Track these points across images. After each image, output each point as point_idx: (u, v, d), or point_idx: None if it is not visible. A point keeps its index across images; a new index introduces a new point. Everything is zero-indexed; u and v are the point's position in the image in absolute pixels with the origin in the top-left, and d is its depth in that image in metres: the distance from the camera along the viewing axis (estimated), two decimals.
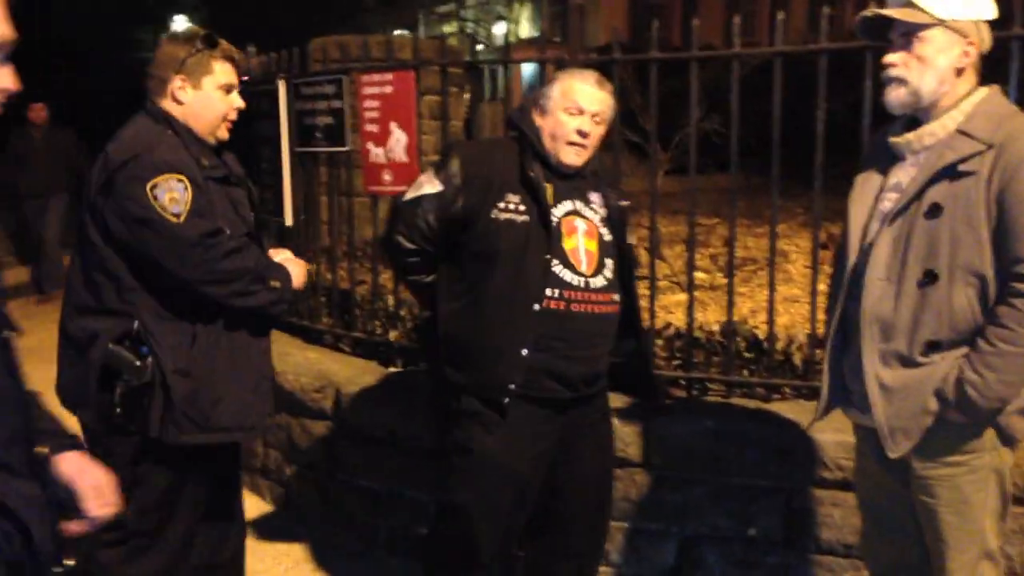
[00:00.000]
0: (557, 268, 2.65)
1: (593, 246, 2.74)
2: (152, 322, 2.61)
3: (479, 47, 31.61)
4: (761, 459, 3.31)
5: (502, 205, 2.66)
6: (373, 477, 3.98)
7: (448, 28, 34.71)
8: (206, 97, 2.71)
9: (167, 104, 2.71)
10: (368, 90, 4.15)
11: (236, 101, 2.79)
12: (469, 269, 2.70)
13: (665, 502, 3.46)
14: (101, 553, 2.69)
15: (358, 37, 5.17)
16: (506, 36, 27.05)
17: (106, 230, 2.60)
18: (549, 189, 2.71)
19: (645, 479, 3.48)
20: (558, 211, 2.71)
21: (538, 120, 2.76)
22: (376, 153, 4.14)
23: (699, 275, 5.75)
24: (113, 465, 2.62)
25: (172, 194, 2.54)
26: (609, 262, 2.76)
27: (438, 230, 2.71)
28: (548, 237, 2.65)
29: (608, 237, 2.79)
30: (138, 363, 2.57)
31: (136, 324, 2.59)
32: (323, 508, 4.19)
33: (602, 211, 2.81)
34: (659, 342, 3.82)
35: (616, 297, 2.77)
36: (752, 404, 3.50)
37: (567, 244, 2.69)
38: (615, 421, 3.47)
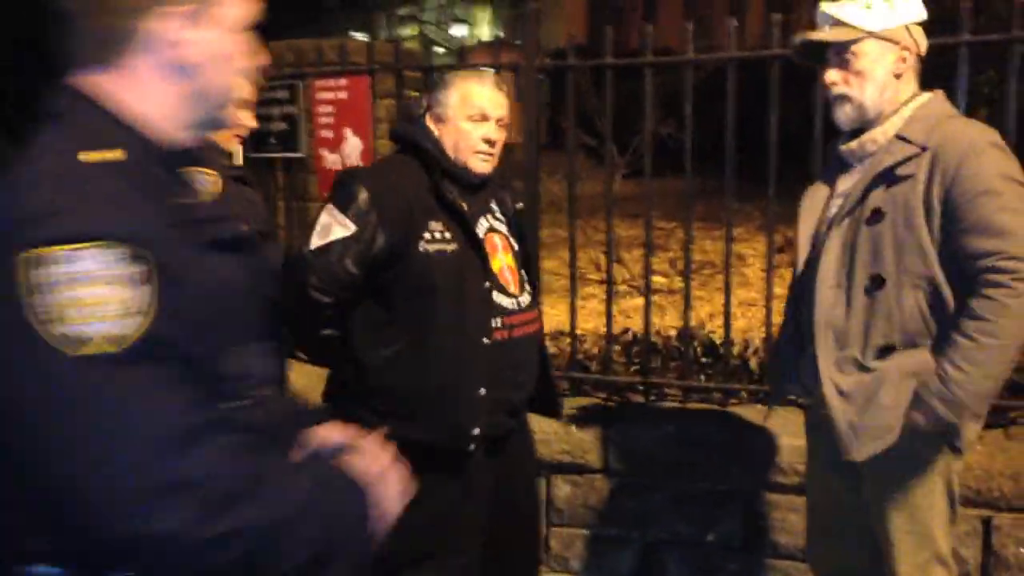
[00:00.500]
0: (495, 295, 2.46)
1: (511, 260, 2.57)
2: None
3: (438, 50, 31.59)
4: (720, 464, 3.32)
5: (427, 236, 2.38)
6: None
7: (408, 31, 34.67)
8: None
9: None
10: (322, 95, 4.12)
11: (247, 119, 2.76)
12: (402, 310, 2.39)
13: (625, 508, 3.45)
14: None
15: (313, 41, 5.11)
16: (460, 45, 27.03)
17: None
18: (466, 208, 2.48)
19: (605, 485, 3.47)
20: (480, 231, 2.50)
21: (432, 129, 2.51)
22: (331, 159, 4.11)
23: (657, 279, 5.78)
24: None
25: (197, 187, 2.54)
26: (523, 272, 2.62)
27: (359, 275, 2.35)
28: (484, 261, 2.44)
29: (517, 247, 2.63)
30: None
31: None
32: None
33: (504, 218, 2.64)
34: (617, 348, 3.82)
35: (538, 310, 2.64)
36: (710, 409, 3.51)
37: (495, 265, 2.50)
38: (573, 428, 3.48)
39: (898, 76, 2.24)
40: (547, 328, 4.53)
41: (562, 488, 3.52)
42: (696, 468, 3.34)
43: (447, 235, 2.40)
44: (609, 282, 3.85)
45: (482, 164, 2.50)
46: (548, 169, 6.07)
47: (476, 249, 2.43)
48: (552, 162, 5.48)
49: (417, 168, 2.46)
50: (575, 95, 3.64)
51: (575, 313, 3.79)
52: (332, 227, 2.35)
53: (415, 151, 2.50)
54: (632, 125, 6.29)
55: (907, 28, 2.23)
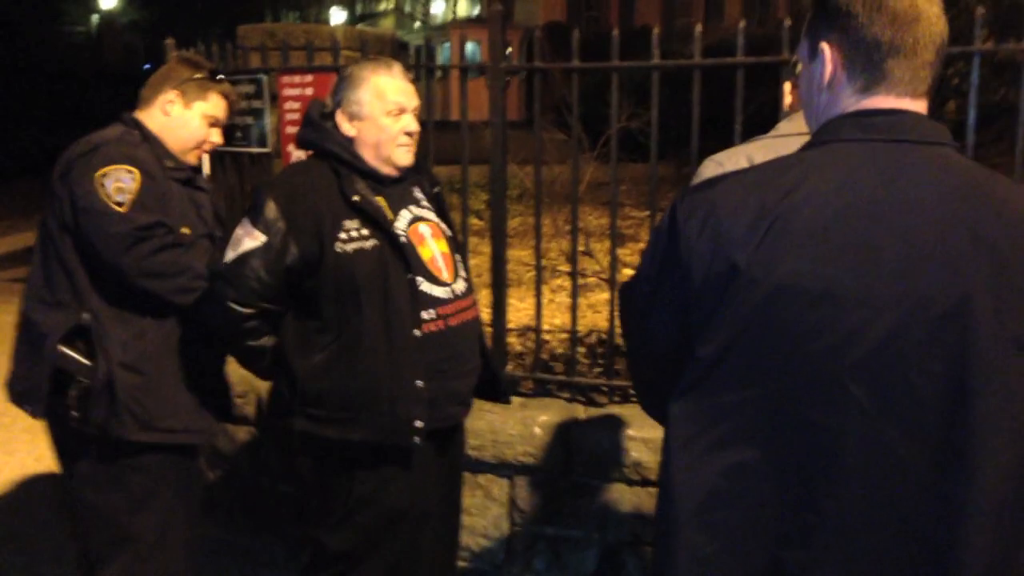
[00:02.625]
0: (424, 287, 2.46)
1: (444, 246, 2.58)
2: (102, 315, 2.58)
3: (416, 25, 31.35)
4: None
5: (343, 236, 2.38)
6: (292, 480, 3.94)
7: (384, 5, 34.37)
8: (191, 119, 2.77)
9: (146, 114, 2.77)
10: (288, 91, 4.08)
11: (215, 136, 2.84)
12: (330, 314, 2.40)
13: (586, 509, 3.49)
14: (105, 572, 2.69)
15: (282, 26, 5.10)
16: (434, 36, 26.77)
17: (61, 219, 2.59)
18: (383, 202, 2.49)
19: (567, 486, 3.50)
20: (401, 224, 2.51)
21: (349, 130, 2.51)
22: (297, 155, 4.07)
23: (626, 271, 5.78)
24: (86, 468, 2.65)
25: (119, 184, 2.53)
26: (458, 257, 2.63)
27: (275, 285, 2.38)
28: (404, 257, 2.43)
29: (448, 232, 2.65)
30: (89, 363, 2.56)
31: (86, 316, 2.57)
32: (246, 514, 4.15)
33: (429, 204, 2.65)
34: (581, 350, 3.84)
35: (474, 296, 2.65)
36: None
37: (424, 254, 2.51)
38: (537, 430, 3.51)
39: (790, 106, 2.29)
40: (515, 323, 4.57)
41: (524, 489, 3.56)
42: (657, 470, 3.38)
43: (364, 232, 2.41)
44: (574, 281, 3.85)
45: (406, 156, 2.54)
46: (519, 153, 6.07)
47: (393, 243, 2.42)
48: (523, 143, 5.49)
49: (328, 170, 2.47)
50: (542, 93, 3.66)
51: (540, 314, 3.81)
52: (243, 240, 2.39)
53: (322, 154, 2.52)
54: (603, 110, 6.28)
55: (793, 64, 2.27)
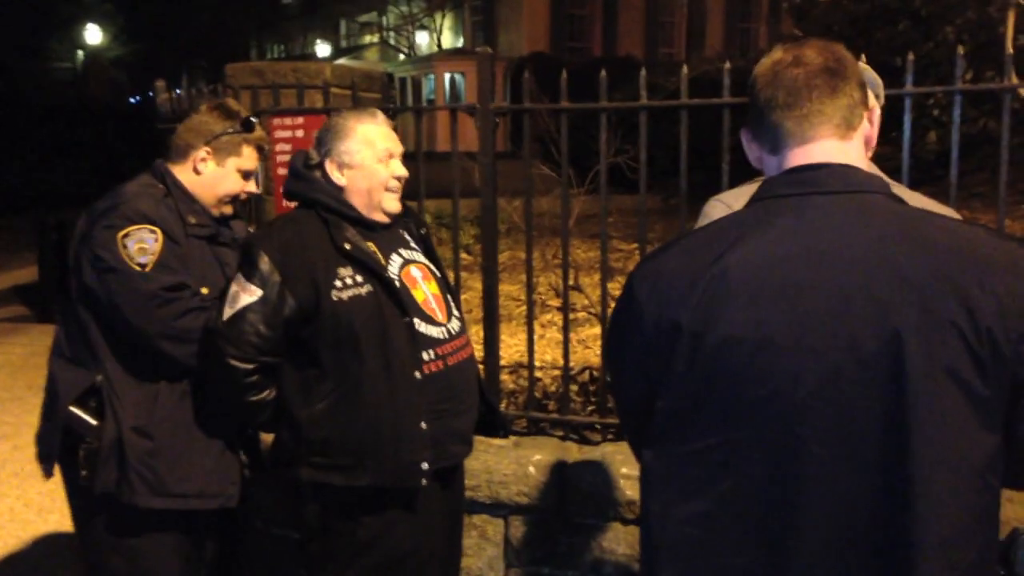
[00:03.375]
0: (422, 327, 2.49)
1: (435, 287, 2.62)
2: (116, 376, 2.56)
3: (401, 57, 31.53)
4: None
5: (338, 284, 2.40)
6: (290, 525, 3.93)
7: (369, 38, 34.56)
8: (225, 176, 2.74)
9: (179, 169, 2.73)
10: (279, 133, 4.11)
11: (251, 187, 2.82)
12: (329, 362, 2.41)
13: (582, 549, 3.49)
14: None
15: (270, 64, 5.14)
16: (423, 53, 26.89)
17: (80, 279, 2.57)
18: (374, 248, 2.52)
19: (562, 526, 3.50)
20: (394, 267, 2.54)
21: (339, 179, 2.54)
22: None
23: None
24: (94, 531, 2.63)
25: (141, 244, 2.52)
26: (450, 298, 2.67)
27: (274, 338, 2.39)
28: (399, 301, 2.46)
29: (438, 273, 2.68)
30: (96, 424, 2.54)
31: (99, 378, 2.56)
32: (240, 557, 4.12)
33: (419, 246, 2.68)
34: (574, 387, 3.86)
35: (468, 335, 2.67)
36: None
37: (418, 297, 2.54)
38: (531, 470, 3.51)
39: None
40: (506, 359, 4.58)
41: (519, 529, 3.55)
42: None
43: (358, 278, 2.43)
44: (566, 318, 3.87)
45: (394, 203, 2.59)
46: (505, 185, 6.10)
47: (388, 288, 2.45)
48: (508, 176, 5.49)
49: (316, 220, 2.49)
50: (532, 130, 3.71)
51: (532, 353, 3.82)
52: (239, 295, 2.40)
53: (309, 204, 2.54)
54: (590, 144, 6.31)
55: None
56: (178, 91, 4.97)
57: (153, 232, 2.54)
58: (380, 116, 2.61)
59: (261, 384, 2.45)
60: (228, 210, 2.81)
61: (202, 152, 2.71)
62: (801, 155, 1.51)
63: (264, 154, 2.85)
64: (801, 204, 1.45)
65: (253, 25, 36.23)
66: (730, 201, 2.15)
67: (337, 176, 2.54)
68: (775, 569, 1.40)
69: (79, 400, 2.56)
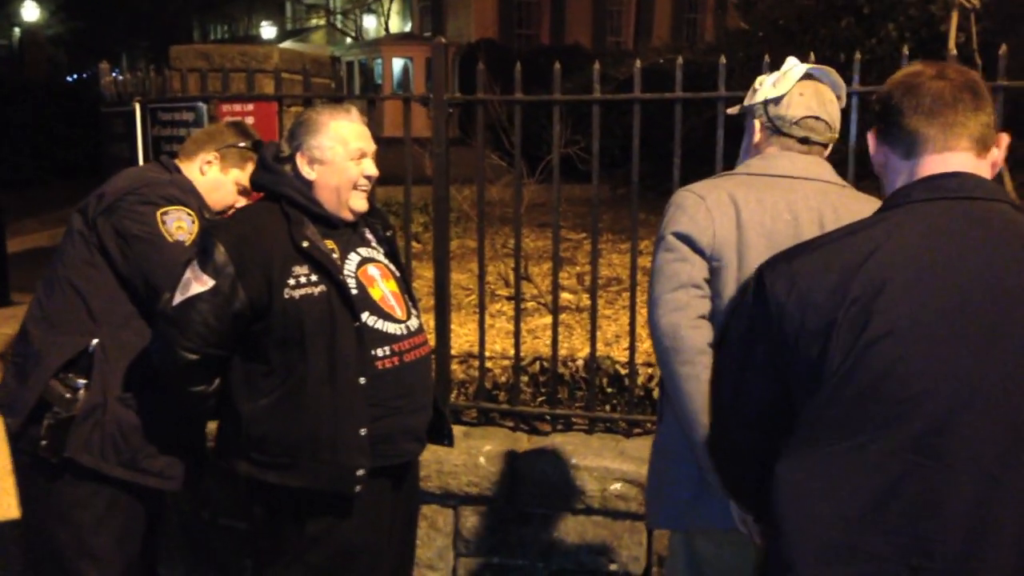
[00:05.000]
0: (379, 324, 2.47)
1: (394, 286, 2.59)
2: (111, 344, 2.64)
3: (348, 41, 31.21)
4: (622, 494, 3.40)
5: (292, 281, 2.37)
6: (237, 516, 3.90)
7: (316, 20, 34.16)
8: (224, 183, 2.87)
9: (185, 164, 2.87)
10: (229, 120, 4.04)
11: (241, 203, 2.90)
12: (276, 359, 2.39)
13: (531, 539, 3.51)
14: None
15: (216, 47, 5.06)
16: (370, 37, 26.61)
17: (90, 250, 2.67)
18: (332, 246, 2.49)
19: (511, 516, 3.52)
20: (351, 265, 2.50)
21: (309, 173, 2.49)
22: None
23: (565, 296, 5.84)
24: (44, 496, 2.68)
25: (180, 223, 2.66)
26: (407, 296, 2.65)
27: (222, 331, 2.37)
28: (351, 302, 2.42)
29: (398, 273, 2.66)
30: (68, 395, 2.60)
31: (95, 342, 2.62)
32: (187, 547, 4.08)
33: (380, 247, 2.67)
34: (524, 378, 3.87)
35: (425, 334, 2.66)
36: (614, 440, 3.59)
37: (375, 295, 2.51)
38: (481, 460, 3.53)
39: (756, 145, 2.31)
40: (455, 350, 4.57)
41: (469, 519, 3.57)
42: (599, 498, 3.42)
43: (313, 278, 2.40)
44: (517, 308, 3.88)
45: (362, 202, 2.55)
46: (455, 173, 6.06)
47: (341, 290, 2.41)
48: (457, 162, 5.46)
49: (279, 214, 2.46)
50: (484, 121, 3.71)
51: (483, 343, 3.83)
52: (191, 284, 2.37)
53: (274, 197, 2.51)
54: (540, 133, 6.31)
55: (763, 105, 2.29)
56: (115, 72, 4.88)
57: (191, 215, 2.69)
58: (355, 113, 2.57)
59: (204, 376, 2.43)
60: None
61: (211, 155, 2.85)
62: (939, 162, 1.56)
63: None
64: (940, 208, 1.50)
65: (196, 5, 35.58)
66: (702, 192, 2.16)
67: (307, 171, 2.50)
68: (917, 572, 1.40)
69: (63, 368, 2.61)
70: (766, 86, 2.27)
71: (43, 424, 2.60)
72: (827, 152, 2.27)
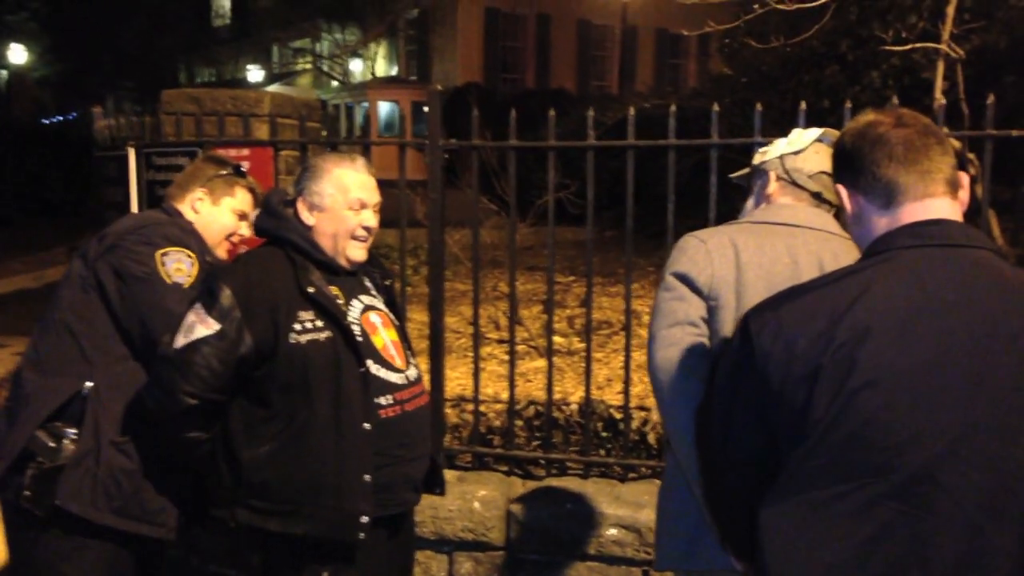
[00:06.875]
0: (381, 372, 2.45)
1: (394, 335, 2.58)
2: (105, 386, 2.59)
3: (334, 84, 31.41)
4: (618, 540, 3.39)
5: (298, 327, 2.34)
6: (227, 563, 3.86)
7: (303, 64, 34.36)
8: (220, 214, 2.89)
9: (182, 207, 2.88)
10: (202, 153, 4.06)
11: (244, 229, 2.91)
12: (279, 404, 2.35)
13: None
14: None
15: (207, 91, 5.08)
16: (357, 80, 26.70)
17: (86, 290, 2.65)
18: (337, 292, 2.48)
19: (506, 562, 3.51)
20: (354, 312, 2.50)
21: (308, 219, 2.50)
22: None
23: (556, 339, 5.84)
24: (26, 549, 2.54)
25: (179, 265, 2.64)
26: (406, 346, 2.63)
27: (225, 375, 2.32)
28: (357, 348, 2.40)
29: (397, 322, 2.65)
30: (53, 445, 2.54)
31: (89, 385, 2.57)
32: None
33: (380, 295, 2.66)
34: (519, 422, 3.87)
35: (423, 383, 2.65)
36: (609, 485, 3.58)
37: (377, 343, 2.50)
38: (476, 505, 3.51)
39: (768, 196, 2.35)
40: (448, 393, 4.56)
41: (464, 565, 3.55)
42: (595, 544, 3.41)
43: (318, 323, 2.37)
44: (512, 351, 3.89)
45: (359, 252, 2.54)
46: (446, 216, 6.09)
47: (347, 336, 2.40)
48: (449, 205, 5.49)
49: (284, 259, 2.45)
50: (479, 167, 3.75)
51: (478, 387, 3.83)
52: (196, 326, 2.33)
53: (278, 242, 2.50)
54: (531, 177, 6.35)
55: (779, 159, 2.34)
56: (98, 111, 4.88)
57: (190, 257, 2.67)
58: (360, 163, 2.57)
59: (200, 421, 2.37)
60: (222, 253, 2.90)
61: (199, 193, 2.86)
62: (920, 210, 1.57)
63: (257, 196, 2.94)
64: (924, 256, 1.52)
65: (182, 48, 35.75)
66: (704, 236, 2.21)
67: (306, 216, 2.50)
68: None
69: (53, 415, 2.56)
70: (780, 145, 2.33)
71: (26, 474, 2.53)
72: (832, 213, 2.31)
